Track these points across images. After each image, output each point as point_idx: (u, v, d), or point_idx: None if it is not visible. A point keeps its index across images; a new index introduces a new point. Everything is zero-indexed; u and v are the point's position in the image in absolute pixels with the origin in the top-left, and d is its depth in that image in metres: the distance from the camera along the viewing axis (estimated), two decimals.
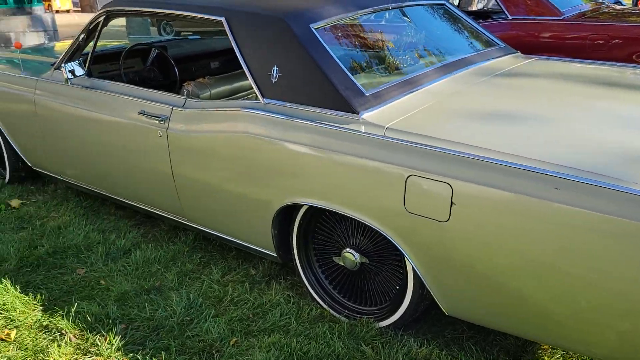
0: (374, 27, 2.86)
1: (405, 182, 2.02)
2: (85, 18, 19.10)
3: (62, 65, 3.30)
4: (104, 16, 3.26)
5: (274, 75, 2.47)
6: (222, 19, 2.67)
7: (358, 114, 2.24)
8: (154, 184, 3.03)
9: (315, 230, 2.56)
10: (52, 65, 3.60)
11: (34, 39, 6.66)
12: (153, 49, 3.88)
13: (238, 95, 3.30)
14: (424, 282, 2.15)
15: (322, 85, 2.33)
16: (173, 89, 3.45)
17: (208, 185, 2.73)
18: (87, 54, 3.42)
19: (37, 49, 4.81)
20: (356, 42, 2.74)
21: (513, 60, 3.11)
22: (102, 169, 3.30)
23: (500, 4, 5.69)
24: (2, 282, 2.88)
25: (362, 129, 2.20)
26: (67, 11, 22.01)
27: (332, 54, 2.41)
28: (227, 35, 2.63)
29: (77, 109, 3.27)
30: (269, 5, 2.66)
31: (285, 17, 2.48)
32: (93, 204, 3.86)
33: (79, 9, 23.41)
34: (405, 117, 2.23)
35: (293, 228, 2.57)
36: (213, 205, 2.78)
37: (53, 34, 6.89)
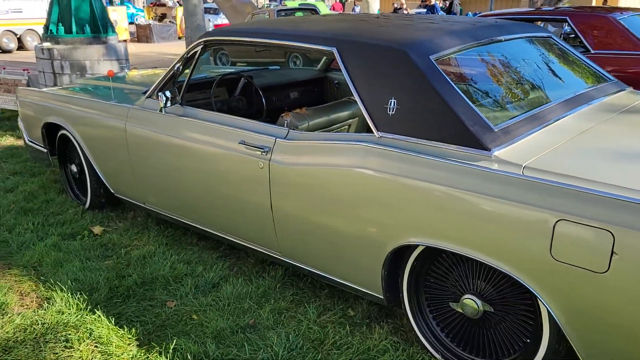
0: (488, 60, 2.73)
1: (554, 227, 1.85)
2: (142, 48, 19.64)
3: (158, 93, 3.28)
4: (202, 46, 3.24)
5: (391, 108, 2.35)
6: (334, 50, 2.59)
7: (489, 150, 2.09)
8: (248, 216, 2.93)
9: (430, 273, 2.40)
10: (144, 93, 3.60)
11: (107, 67, 6.80)
12: (242, 78, 3.84)
13: (334, 127, 3.20)
14: (566, 335, 1.95)
15: (447, 119, 2.20)
16: (260, 119, 3.39)
17: (311, 221, 2.61)
18: (180, 82, 3.40)
19: (99, 78, 4.87)
20: (473, 75, 2.61)
21: (632, 97, 2.92)
22: (192, 198, 3.24)
23: (582, 38, 5.51)
24: (95, 313, 2.80)
25: (496, 166, 2.05)
26: (125, 41, 22.77)
27: (455, 87, 2.28)
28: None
29: (171, 137, 3.23)
30: (383, 35, 2.56)
31: (406, 48, 2.37)
32: (174, 233, 3.79)
33: (136, 38, 24.20)
34: (542, 155, 2.06)
35: (404, 270, 2.41)
36: (315, 242, 2.66)
37: (125, 62, 7.02)
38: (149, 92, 3.51)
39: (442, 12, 15.80)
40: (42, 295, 3.03)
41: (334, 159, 2.48)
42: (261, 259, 3.34)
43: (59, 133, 4.28)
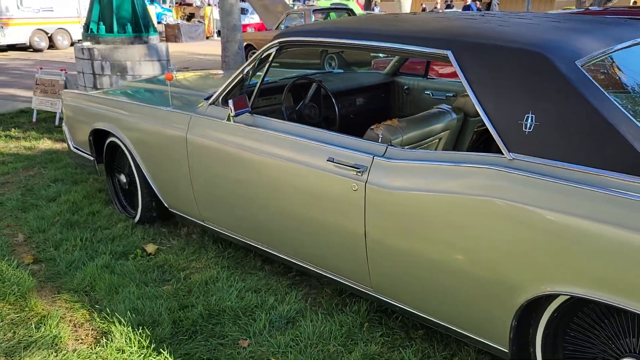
0: (630, 64, 2.30)
1: None
2: (170, 48, 19.49)
3: (227, 100, 2.91)
4: (277, 47, 2.87)
5: (528, 125, 1.95)
6: (448, 53, 2.19)
7: None
8: (334, 244, 2.55)
9: (573, 327, 1.98)
10: (206, 99, 3.24)
11: (148, 68, 6.50)
12: (313, 83, 3.46)
13: (428, 140, 2.80)
14: None
15: (608, 140, 1.79)
16: (331, 128, 3.00)
17: (418, 256, 2.22)
18: (246, 87, 3.04)
19: (151, 80, 4.54)
20: (626, 84, 2.19)
21: None
22: (262, 218, 2.87)
23: None
24: (161, 353, 2.45)
25: None
26: None
27: (613, 99, 1.87)
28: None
29: (240, 150, 2.86)
30: (510, 36, 2.16)
31: (547, 52, 1.96)
32: (235, 254, 3.43)
33: (164, 38, 24.06)
34: None
35: (540, 322, 2.00)
36: (420, 281, 2.26)
37: (166, 63, 6.71)
38: (212, 98, 3.16)
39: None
40: (98, 327, 2.69)
41: (450, 184, 2.08)
42: (339, 289, 2.96)
43: (108, 140, 3.95)
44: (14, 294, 2.98)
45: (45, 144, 6.45)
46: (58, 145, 6.38)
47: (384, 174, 2.28)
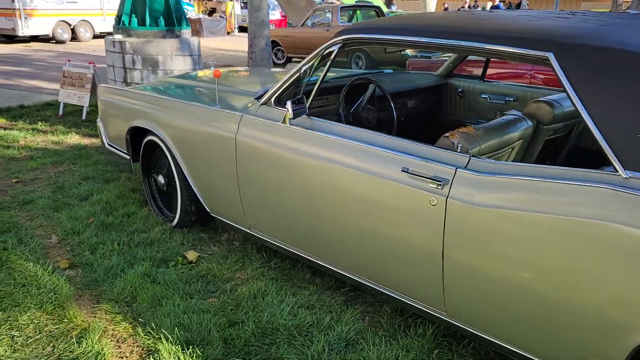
0: None
1: None
2: None
3: (285, 101, 2.70)
4: (339, 45, 2.65)
5: None
6: (549, 55, 1.95)
7: None
8: (403, 261, 2.32)
9: None
10: (257, 98, 3.03)
11: (180, 63, 6.32)
12: (370, 84, 3.24)
13: (503, 150, 2.56)
14: None
15: None
16: (390, 132, 2.77)
17: (506, 281, 1.99)
18: (298, 86, 2.83)
19: (188, 76, 4.35)
20: None
21: None
22: (320, 229, 2.65)
23: None
24: None
25: None
26: None
27: None
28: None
29: (297, 155, 2.65)
30: (623, 38, 1.91)
31: None
32: (282, 264, 3.22)
33: None
34: None
35: None
36: (506, 308, 2.03)
37: (197, 58, 6.52)
38: (264, 97, 2.94)
39: None
40: (143, 344, 2.49)
41: (552, 204, 1.84)
42: (399, 308, 2.73)
43: (146, 139, 3.76)
44: (52, 303, 2.79)
45: (73, 138, 6.30)
46: (86, 141, 6.22)
47: (469, 188, 2.05)
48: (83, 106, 7.32)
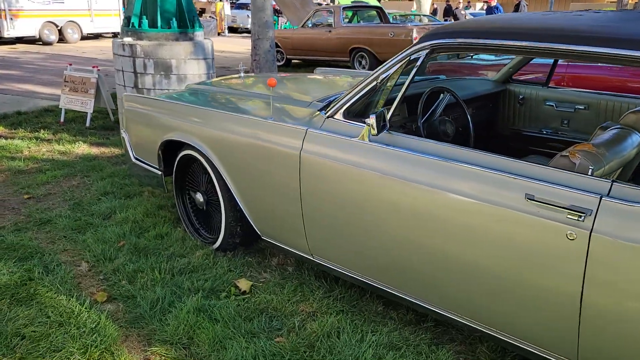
0: None
1: None
2: None
3: (351, 112, 2.39)
4: (427, 51, 2.33)
5: None
6: None
7: None
8: (520, 302, 2.02)
9: None
10: (321, 110, 2.70)
11: (194, 67, 5.95)
12: (444, 92, 2.93)
13: (619, 170, 2.27)
14: None
15: None
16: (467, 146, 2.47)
17: None
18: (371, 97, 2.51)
19: (214, 84, 4.02)
20: None
21: None
22: (413, 260, 2.33)
23: None
24: None
25: None
26: None
27: None
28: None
29: (382, 176, 2.33)
30: None
31: None
32: (346, 293, 2.90)
33: None
34: None
35: None
36: None
37: (211, 62, 6.15)
38: (332, 109, 2.63)
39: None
40: None
41: None
42: (498, 348, 2.42)
43: (181, 153, 3.41)
44: (97, 347, 2.44)
45: (81, 148, 5.90)
46: (95, 150, 5.83)
47: (619, 220, 1.75)
48: (87, 112, 6.93)
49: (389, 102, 2.48)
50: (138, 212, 3.95)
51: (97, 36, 22.58)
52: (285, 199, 2.77)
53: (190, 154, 3.32)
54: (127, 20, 6.03)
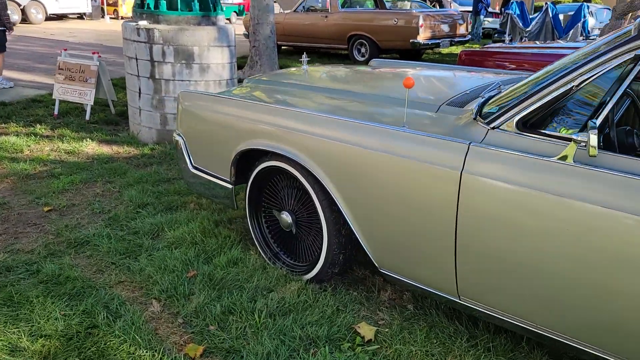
0: None
1: None
2: None
3: (530, 123, 1.87)
4: None
5: None
6: None
7: None
8: None
9: None
10: (488, 122, 2.17)
11: (217, 55, 5.30)
12: (625, 96, 2.44)
13: None
14: None
15: None
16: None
17: None
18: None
19: (286, 77, 3.43)
20: None
21: None
22: (614, 313, 1.84)
23: None
24: None
25: None
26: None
27: None
28: None
29: (592, 210, 1.82)
30: None
31: None
32: (494, 339, 2.39)
33: None
34: None
35: None
36: None
37: (234, 50, 5.52)
38: (501, 118, 2.10)
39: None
40: None
41: None
42: None
43: (262, 165, 2.83)
44: None
45: (90, 146, 5.20)
46: (106, 149, 5.14)
47: None
48: (87, 104, 6.18)
49: (583, 109, 1.98)
50: (193, 231, 3.34)
51: (61, 17, 21.29)
52: (429, 228, 2.23)
53: (278, 166, 2.74)
54: (141, 1, 5.31)
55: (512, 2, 10.78)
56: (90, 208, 3.79)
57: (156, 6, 5.24)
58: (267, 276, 2.85)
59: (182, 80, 5.22)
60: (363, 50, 11.38)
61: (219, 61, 5.37)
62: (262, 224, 3.05)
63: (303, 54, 3.83)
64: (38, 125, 5.78)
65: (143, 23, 5.19)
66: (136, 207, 3.77)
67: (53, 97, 6.37)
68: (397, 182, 2.27)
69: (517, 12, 10.88)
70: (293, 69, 3.83)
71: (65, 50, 6.43)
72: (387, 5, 12.31)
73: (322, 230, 2.67)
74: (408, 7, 13.02)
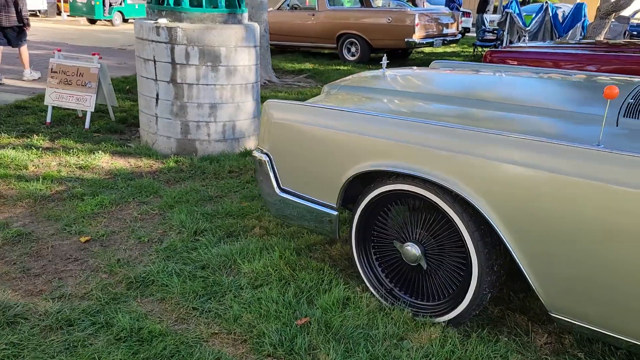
0: None
1: None
2: (113, 30, 16.91)
3: None
4: None
5: None
6: None
7: None
8: None
9: None
10: None
11: (244, 56, 4.78)
12: None
13: None
14: None
15: None
16: None
17: None
18: None
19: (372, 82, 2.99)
20: None
21: None
22: None
23: None
24: None
25: None
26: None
27: None
28: None
29: None
30: None
31: None
32: None
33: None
34: None
35: None
36: None
37: (259, 50, 5.01)
38: None
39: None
40: None
41: None
42: None
43: (383, 188, 2.39)
44: None
45: (103, 160, 4.59)
46: (123, 162, 4.56)
47: None
48: (85, 111, 5.53)
49: None
50: (275, 263, 2.85)
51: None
52: (638, 266, 1.84)
53: (407, 191, 2.30)
54: None
55: (512, 1, 10.64)
56: (135, 236, 3.24)
57: (177, 2, 4.67)
58: (390, 320, 2.40)
59: (207, 85, 4.68)
60: (353, 49, 10.99)
61: (246, 63, 4.85)
62: (371, 255, 2.60)
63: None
64: (35, 136, 5.10)
65: (163, 21, 4.62)
66: (191, 234, 3.24)
67: (45, 104, 5.68)
68: (595, 211, 1.87)
69: (517, 10, 10.74)
70: (371, 72, 3.38)
71: (59, 50, 5.75)
72: (372, 3, 11.95)
73: (465, 265, 2.25)
74: (394, 6, 12.71)
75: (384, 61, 3.23)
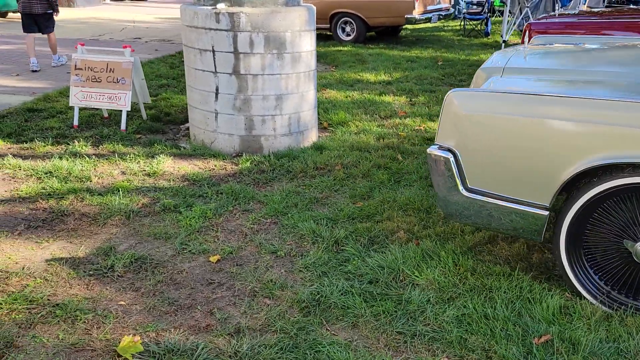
0: None
1: None
2: (68, 14, 15.88)
3: None
4: None
5: None
6: None
7: None
8: None
9: None
10: None
11: (307, 42, 4.40)
12: None
13: None
14: None
15: None
16: None
17: None
18: None
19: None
20: None
21: None
22: None
23: None
24: None
25: None
26: None
27: None
28: None
29: None
30: None
31: None
32: None
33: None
34: None
35: None
36: None
37: (315, 34, 4.64)
38: None
39: None
40: None
41: None
42: None
43: (604, 186, 2.13)
44: None
45: (166, 164, 4.15)
46: (188, 166, 4.14)
47: None
48: (121, 110, 5.01)
49: None
50: (452, 271, 2.57)
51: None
52: None
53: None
54: None
55: None
56: (266, 250, 2.89)
57: None
58: (634, 329, 2.16)
59: (272, 74, 4.29)
60: (348, 29, 10.62)
61: (309, 48, 4.48)
62: (583, 258, 2.35)
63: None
64: (75, 143, 4.57)
65: (222, 6, 4.17)
66: (330, 244, 2.91)
67: (70, 105, 5.11)
68: None
69: None
70: (517, 51, 3.09)
71: (83, 45, 5.17)
72: None
73: None
74: None
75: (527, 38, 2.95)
